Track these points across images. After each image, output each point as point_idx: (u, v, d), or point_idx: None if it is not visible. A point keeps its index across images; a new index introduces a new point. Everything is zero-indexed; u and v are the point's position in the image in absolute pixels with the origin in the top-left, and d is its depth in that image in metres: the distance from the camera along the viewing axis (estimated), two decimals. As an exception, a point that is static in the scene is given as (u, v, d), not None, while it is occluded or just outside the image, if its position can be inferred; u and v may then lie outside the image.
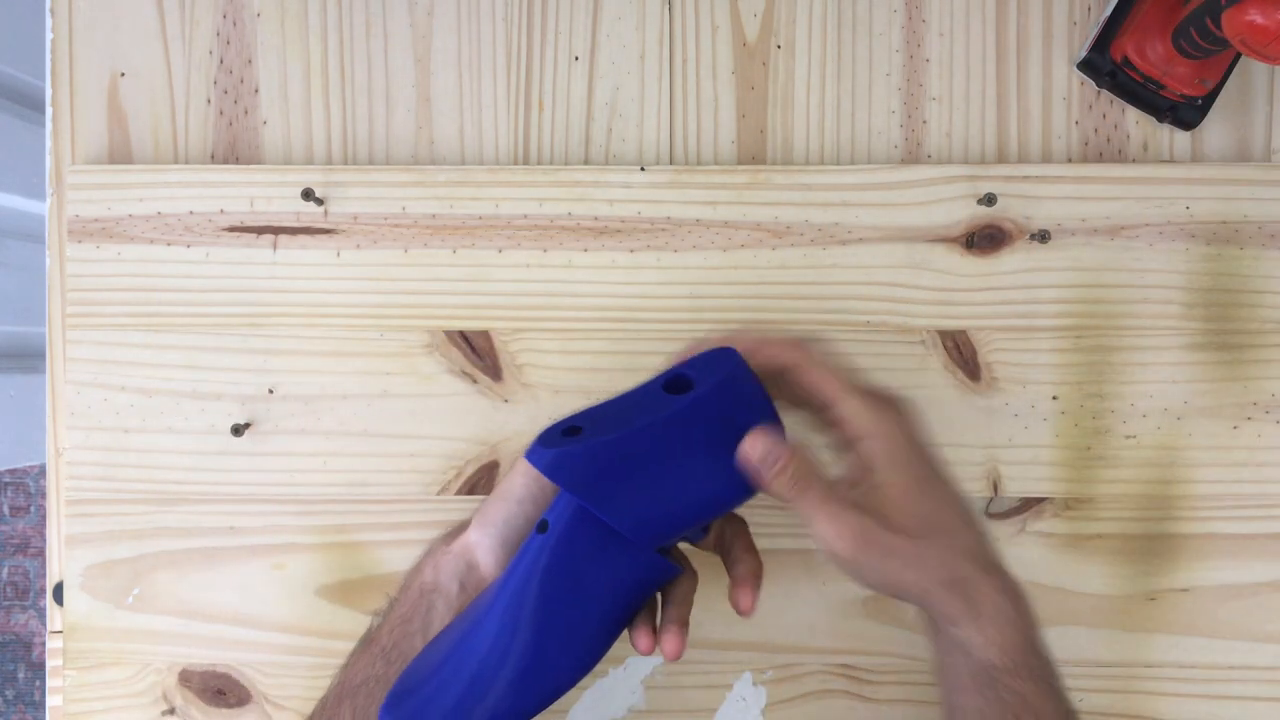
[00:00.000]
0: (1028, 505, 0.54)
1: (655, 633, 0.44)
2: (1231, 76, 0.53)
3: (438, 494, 0.55)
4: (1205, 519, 0.54)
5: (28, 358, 1.01)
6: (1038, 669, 0.42)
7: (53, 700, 0.55)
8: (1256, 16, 0.42)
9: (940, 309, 0.54)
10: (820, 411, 0.43)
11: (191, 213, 0.55)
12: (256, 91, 0.57)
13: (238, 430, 0.54)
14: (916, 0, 0.56)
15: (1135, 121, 0.56)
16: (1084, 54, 0.55)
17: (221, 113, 0.57)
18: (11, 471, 1.44)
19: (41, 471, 1.44)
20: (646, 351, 0.54)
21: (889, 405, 0.42)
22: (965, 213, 0.54)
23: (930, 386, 0.54)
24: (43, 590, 1.45)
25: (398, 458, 0.55)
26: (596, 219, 0.55)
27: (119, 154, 0.57)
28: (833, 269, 0.54)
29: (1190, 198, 0.54)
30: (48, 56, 0.57)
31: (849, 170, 0.55)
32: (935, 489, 0.42)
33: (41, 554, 1.45)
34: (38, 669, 1.45)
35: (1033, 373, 0.54)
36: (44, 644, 1.43)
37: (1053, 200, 0.54)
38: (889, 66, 0.56)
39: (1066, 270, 0.54)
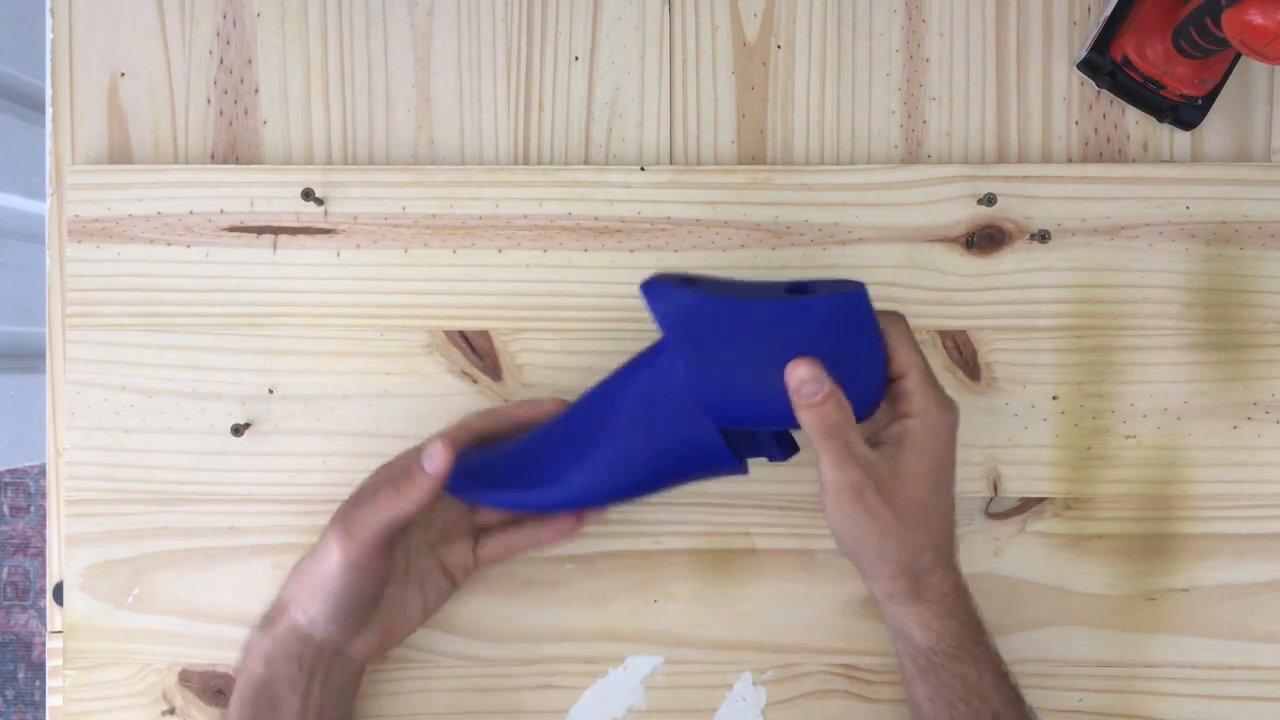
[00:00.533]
0: (1028, 505, 0.54)
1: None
2: (1231, 76, 0.53)
3: (438, 494, 0.55)
4: (1205, 519, 0.54)
5: (28, 358, 1.01)
6: (980, 656, 0.46)
7: (53, 700, 0.55)
8: (1256, 16, 0.42)
9: (940, 309, 0.54)
10: (892, 380, 0.45)
11: (191, 213, 0.55)
12: (256, 91, 0.57)
13: (238, 430, 0.54)
14: (916, 0, 0.56)
15: (1135, 121, 0.56)
16: (1084, 54, 0.55)
17: (221, 113, 0.57)
18: (11, 471, 1.44)
19: (41, 471, 1.44)
20: (646, 351, 0.54)
21: (949, 405, 0.45)
22: (965, 213, 0.54)
23: (930, 386, 0.54)
24: (43, 590, 1.45)
25: (398, 458, 0.55)
26: (596, 219, 0.55)
27: (119, 154, 0.57)
28: (833, 269, 0.54)
29: (1190, 198, 0.54)
30: (48, 56, 0.57)
31: (849, 170, 0.55)
32: (942, 487, 0.45)
33: (41, 554, 1.45)
34: (38, 669, 1.45)
35: (1033, 373, 0.54)
36: (44, 644, 1.43)
37: (1053, 200, 0.54)
38: (889, 66, 0.56)
39: (1066, 270, 0.54)
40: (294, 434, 0.55)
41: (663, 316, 0.44)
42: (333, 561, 0.46)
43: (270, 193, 0.55)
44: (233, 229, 0.55)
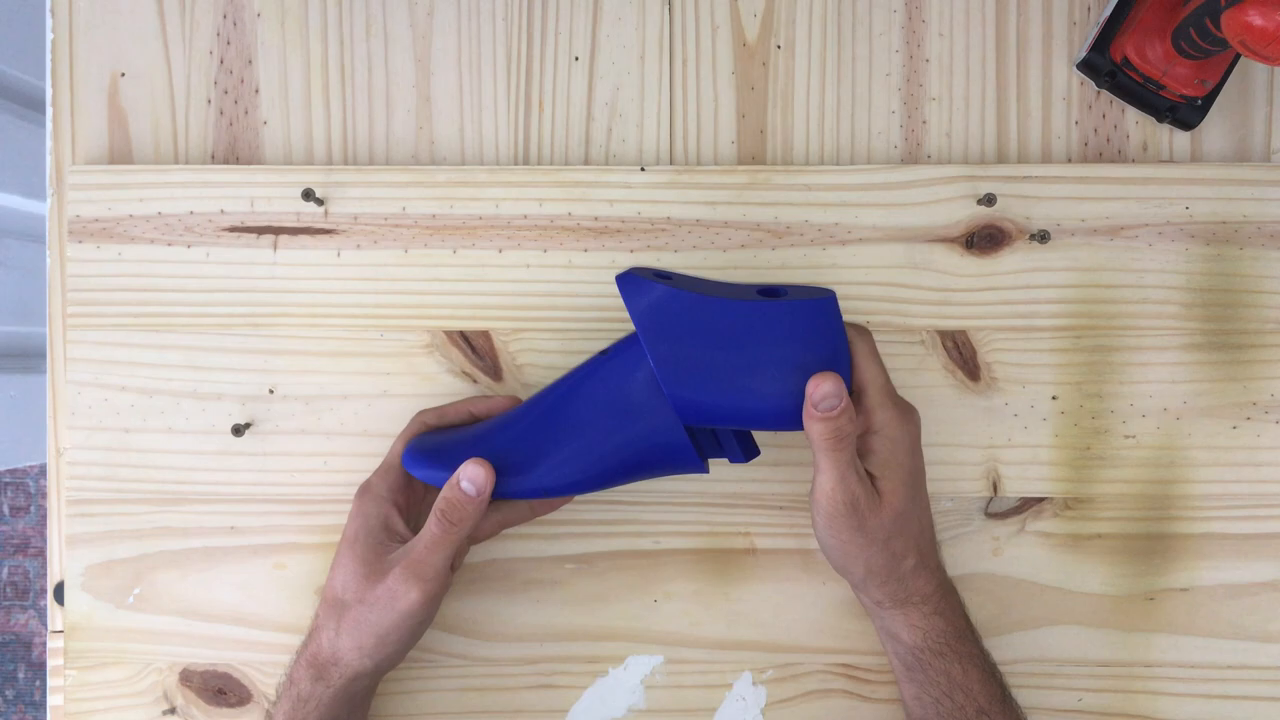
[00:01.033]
0: (1027, 505, 0.54)
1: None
2: (1231, 77, 0.53)
3: (438, 494, 0.55)
4: (1205, 519, 0.54)
5: (28, 358, 1.01)
6: (965, 654, 0.48)
7: (53, 700, 0.55)
8: (1256, 17, 0.42)
9: (940, 309, 0.54)
10: (853, 394, 0.46)
11: (192, 213, 0.55)
12: (257, 92, 0.57)
13: (238, 430, 0.54)
14: (916, 0, 0.56)
15: (1135, 122, 0.56)
16: (1084, 54, 0.55)
17: (222, 113, 0.57)
18: (11, 471, 1.44)
19: (42, 471, 1.44)
20: (646, 351, 0.54)
21: (909, 413, 0.47)
22: (965, 213, 0.54)
23: (930, 386, 0.54)
24: (43, 590, 1.45)
25: (398, 458, 0.55)
26: (596, 219, 0.55)
27: (119, 154, 0.57)
28: (833, 269, 0.54)
29: (1190, 198, 0.54)
30: (48, 56, 0.57)
31: (849, 170, 0.55)
32: (914, 494, 0.46)
33: (42, 554, 1.45)
34: (38, 669, 1.45)
35: (1032, 373, 0.54)
36: (44, 644, 1.43)
37: (1052, 200, 0.54)
38: (889, 66, 0.56)
39: (1066, 270, 0.54)
40: (294, 434, 0.55)
41: (634, 308, 0.45)
42: (411, 604, 0.46)
43: (270, 193, 0.55)
44: (233, 229, 0.55)
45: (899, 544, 0.46)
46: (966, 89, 0.56)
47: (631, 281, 0.45)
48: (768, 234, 0.54)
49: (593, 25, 0.56)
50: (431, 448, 0.49)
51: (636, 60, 0.56)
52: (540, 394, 0.50)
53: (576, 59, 0.56)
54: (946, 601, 0.48)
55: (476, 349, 0.55)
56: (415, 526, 0.50)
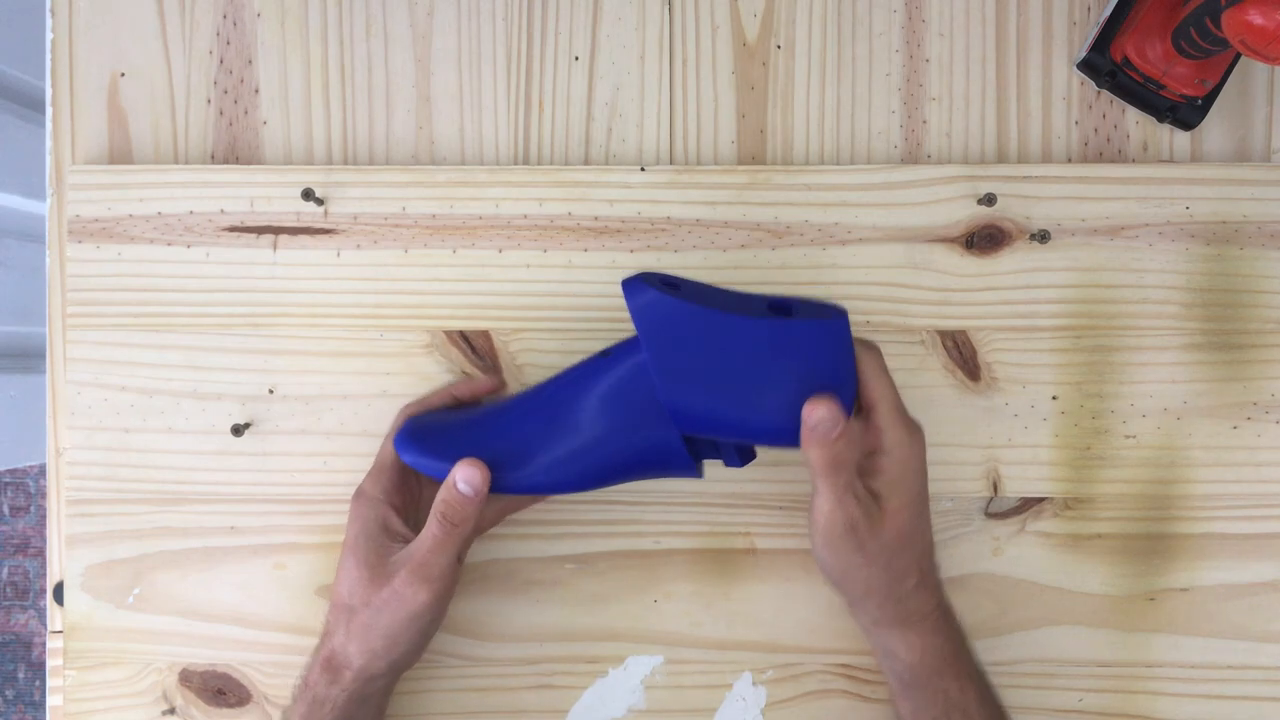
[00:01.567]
0: (1027, 505, 0.54)
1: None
2: (1231, 77, 0.53)
3: (438, 494, 0.55)
4: (1205, 519, 0.54)
5: (28, 358, 1.01)
6: (962, 672, 0.47)
7: (53, 700, 0.55)
8: (1256, 17, 0.42)
9: (940, 309, 0.54)
10: (862, 410, 0.45)
11: (192, 213, 0.55)
12: (257, 92, 0.57)
13: (238, 430, 0.54)
14: (916, 0, 0.56)
15: (1135, 121, 0.56)
16: (1084, 54, 0.55)
17: (221, 113, 0.57)
18: (11, 471, 1.44)
19: (41, 471, 1.44)
20: (646, 351, 0.54)
21: (917, 432, 0.45)
22: (965, 213, 0.54)
23: (930, 386, 0.54)
24: (43, 590, 1.45)
25: (398, 458, 0.55)
26: (596, 219, 0.55)
27: (119, 154, 0.57)
28: (833, 269, 0.54)
29: (1190, 198, 0.54)
30: (48, 56, 0.57)
31: (849, 170, 0.55)
32: (920, 512, 0.46)
33: (42, 554, 1.45)
34: (38, 669, 1.45)
35: (1032, 373, 0.54)
36: (44, 644, 1.43)
37: (1052, 200, 0.54)
38: (889, 67, 0.56)
39: (1066, 270, 0.54)
40: (294, 434, 0.55)
41: (639, 316, 0.44)
42: (421, 605, 0.46)
43: (270, 193, 0.55)
44: (233, 229, 0.55)
45: (901, 563, 0.45)
46: (966, 89, 0.56)
47: (637, 288, 0.44)
48: (768, 234, 0.54)
49: (593, 25, 0.56)
50: (422, 432, 0.49)
51: (636, 60, 0.56)
52: (536, 388, 0.50)
53: (576, 59, 0.56)
54: (945, 619, 0.47)
55: (476, 349, 0.55)
56: (415, 524, 0.49)
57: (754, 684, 0.54)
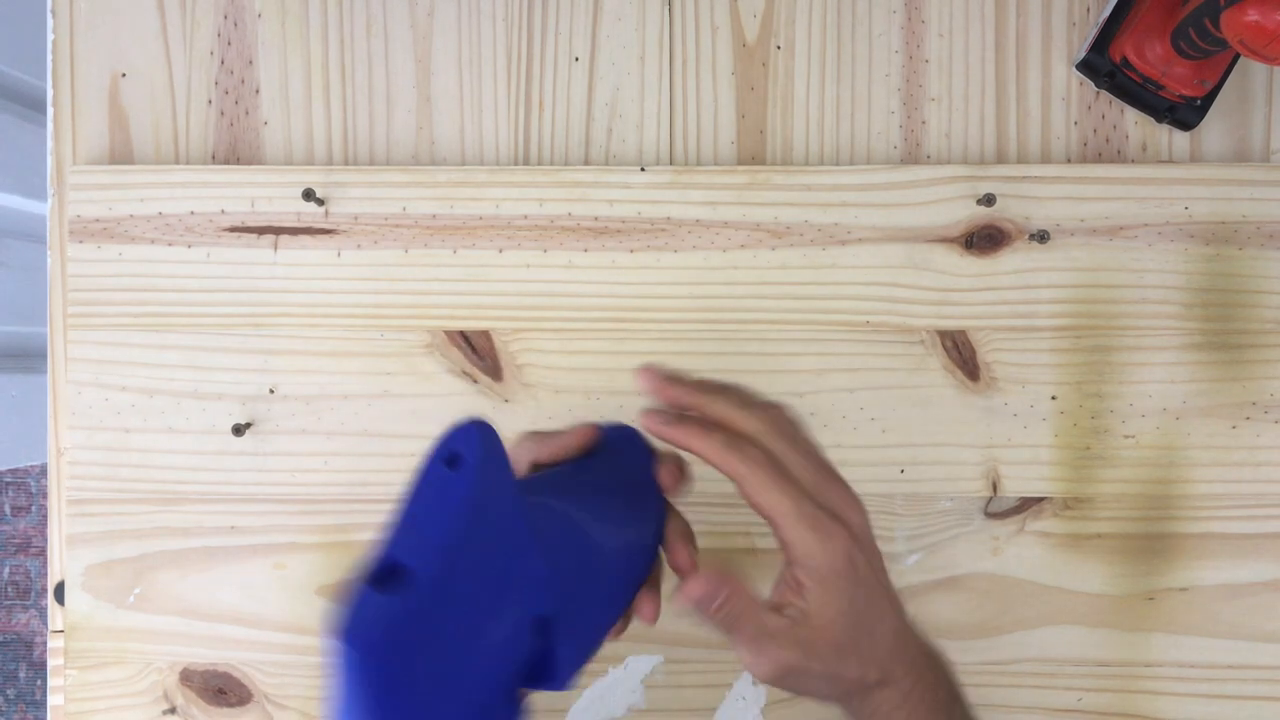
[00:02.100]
0: (1027, 505, 0.54)
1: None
2: (1230, 77, 0.53)
3: (438, 494, 0.55)
4: (1204, 519, 0.54)
5: (29, 358, 1.01)
6: None
7: (54, 699, 0.55)
8: (1255, 17, 0.42)
9: (939, 309, 0.54)
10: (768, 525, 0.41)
11: (192, 213, 0.55)
12: (257, 92, 0.57)
13: (238, 430, 0.54)
14: (916, 1, 0.56)
15: (1134, 122, 0.56)
16: (1083, 54, 0.55)
17: (222, 113, 0.57)
18: (12, 471, 1.44)
19: (43, 471, 1.44)
20: (646, 352, 0.54)
21: (836, 528, 0.39)
22: (964, 213, 0.54)
23: (929, 386, 0.54)
24: (44, 590, 1.45)
25: (398, 458, 0.55)
26: (596, 219, 0.55)
27: (120, 154, 0.57)
28: (833, 269, 0.54)
29: (1189, 198, 0.54)
30: (49, 57, 0.57)
31: (849, 170, 0.55)
32: (861, 617, 0.41)
33: (43, 553, 1.45)
34: (39, 668, 1.45)
35: (1032, 372, 0.54)
36: (45, 643, 1.43)
37: (1052, 200, 0.54)
38: (888, 67, 0.56)
39: (1065, 270, 0.54)
40: (294, 434, 0.55)
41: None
42: None
43: (271, 193, 0.55)
44: (234, 229, 0.55)
45: (851, 667, 0.40)
46: (966, 89, 0.56)
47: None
48: (768, 234, 0.54)
49: (593, 25, 0.56)
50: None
51: (636, 60, 0.56)
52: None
53: (576, 59, 0.56)
54: (917, 711, 0.42)
55: (476, 349, 0.55)
56: None
57: (754, 683, 0.54)
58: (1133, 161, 0.56)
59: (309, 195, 0.54)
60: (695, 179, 0.54)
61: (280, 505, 0.55)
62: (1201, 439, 0.54)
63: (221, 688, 0.55)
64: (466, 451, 0.30)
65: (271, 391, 0.55)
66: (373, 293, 0.55)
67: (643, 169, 0.55)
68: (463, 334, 0.55)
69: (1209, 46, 0.49)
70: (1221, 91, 0.54)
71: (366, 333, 0.55)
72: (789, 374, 0.54)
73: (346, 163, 0.57)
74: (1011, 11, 0.56)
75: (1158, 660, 0.54)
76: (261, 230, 0.55)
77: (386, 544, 0.28)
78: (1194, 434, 0.54)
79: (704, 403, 0.43)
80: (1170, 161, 0.56)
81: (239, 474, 0.55)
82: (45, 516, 1.41)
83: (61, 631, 0.55)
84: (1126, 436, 0.54)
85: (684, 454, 0.41)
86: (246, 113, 0.57)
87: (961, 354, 0.54)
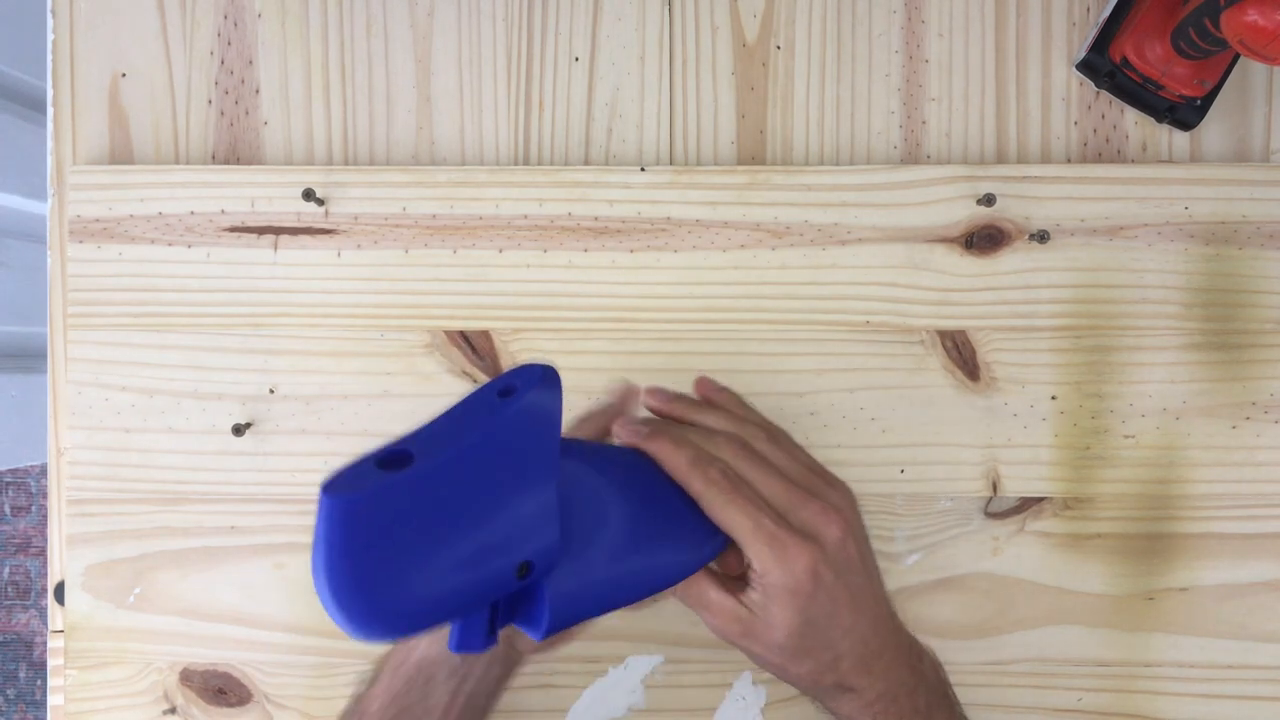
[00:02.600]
0: (1027, 505, 0.54)
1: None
2: (1230, 77, 0.53)
3: (438, 494, 0.55)
4: (1204, 519, 0.54)
5: (29, 358, 1.01)
6: None
7: (54, 699, 0.55)
8: (1255, 17, 0.42)
9: (939, 309, 0.54)
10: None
11: (192, 213, 0.55)
12: (257, 92, 0.57)
13: (239, 430, 0.54)
14: (916, 1, 0.56)
15: (1134, 122, 0.56)
16: (1083, 55, 0.55)
17: (222, 113, 0.57)
18: (13, 471, 1.44)
19: (43, 471, 1.44)
20: (646, 351, 0.54)
21: (799, 547, 0.39)
22: (964, 213, 0.54)
23: (929, 386, 0.54)
24: (44, 590, 1.45)
25: (398, 457, 0.55)
26: (596, 219, 0.55)
27: (120, 154, 0.57)
28: (832, 269, 0.54)
29: (1189, 198, 0.54)
30: (49, 57, 0.57)
31: (849, 170, 0.55)
32: (818, 623, 0.40)
33: (43, 553, 1.45)
34: (39, 668, 1.45)
35: (1032, 372, 0.54)
36: (45, 643, 1.43)
37: (1052, 200, 0.54)
38: (888, 67, 0.56)
39: (1065, 270, 0.54)
40: (295, 434, 0.55)
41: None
42: None
43: (271, 193, 0.55)
44: (234, 229, 0.55)
45: (806, 668, 0.41)
46: (966, 89, 0.56)
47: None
48: (768, 234, 0.54)
49: (593, 25, 0.56)
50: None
51: (636, 60, 0.56)
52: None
53: (576, 59, 0.56)
54: (886, 705, 0.42)
55: (476, 349, 0.55)
56: None
57: (754, 683, 0.54)
58: (1133, 161, 0.56)
59: (309, 195, 0.54)
60: (695, 179, 0.54)
61: (280, 505, 0.55)
62: (1201, 439, 0.54)
63: (221, 688, 0.55)
64: (522, 386, 0.31)
65: (271, 391, 0.55)
66: (373, 293, 0.55)
67: (643, 169, 0.55)
68: (463, 334, 0.55)
69: (1209, 46, 0.49)
70: (1221, 91, 0.54)
71: (366, 333, 0.55)
72: (789, 374, 0.54)
73: (346, 163, 0.57)
74: (1011, 11, 0.56)
75: (1157, 660, 0.54)
76: (261, 230, 0.55)
77: (406, 436, 0.30)
78: (1194, 434, 0.54)
79: (690, 416, 0.44)
80: (1170, 161, 0.56)
81: (239, 474, 0.55)
82: (45, 516, 1.41)
83: (61, 631, 0.55)
84: (1126, 436, 0.54)
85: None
86: (246, 113, 0.57)
87: (961, 354, 0.54)
